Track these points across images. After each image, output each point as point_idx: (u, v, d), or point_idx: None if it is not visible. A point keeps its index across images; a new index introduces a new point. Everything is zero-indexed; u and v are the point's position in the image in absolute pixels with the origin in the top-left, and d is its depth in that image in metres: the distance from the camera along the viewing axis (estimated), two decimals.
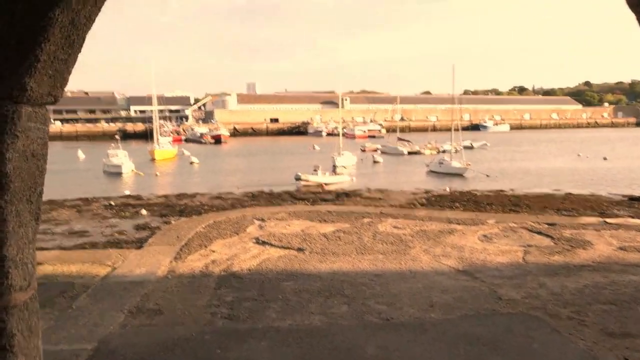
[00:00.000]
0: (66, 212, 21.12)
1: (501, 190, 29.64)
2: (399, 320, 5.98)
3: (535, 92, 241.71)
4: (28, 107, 2.33)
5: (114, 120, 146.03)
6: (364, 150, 68.67)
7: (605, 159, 54.79)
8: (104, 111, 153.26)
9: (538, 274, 7.63)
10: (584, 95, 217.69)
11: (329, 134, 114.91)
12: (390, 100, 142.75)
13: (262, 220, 11.84)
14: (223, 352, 5.23)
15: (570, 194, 27.71)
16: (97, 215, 19.95)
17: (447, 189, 29.92)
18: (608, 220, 11.68)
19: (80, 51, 2.52)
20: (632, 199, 24.43)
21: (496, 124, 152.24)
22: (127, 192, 30.94)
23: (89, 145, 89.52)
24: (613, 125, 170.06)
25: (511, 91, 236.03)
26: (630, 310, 6.13)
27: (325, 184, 33.50)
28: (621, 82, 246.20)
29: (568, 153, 64.42)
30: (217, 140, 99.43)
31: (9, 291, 2.23)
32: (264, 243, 9.68)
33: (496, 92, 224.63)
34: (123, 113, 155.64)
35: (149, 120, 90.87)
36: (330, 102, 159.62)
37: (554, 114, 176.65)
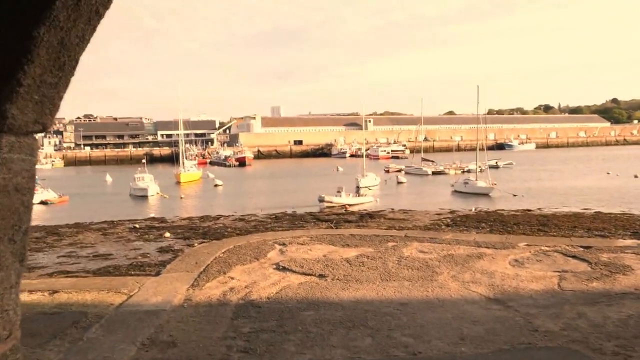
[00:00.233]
0: (92, 235, 21.20)
1: (528, 210, 28.85)
2: (427, 355, 5.56)
3: (562, 110, 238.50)
4: (10, 137, 2.07)
5: (141, 144, 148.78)
6: (387, 171, 68.23)
7: (636, 176, 53.26)
8: (132, 136, 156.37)
9: (576, 302, 7.12)
10: (612, 112, 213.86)
11: (352, 155, 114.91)
12: (414, 121, 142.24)
13: (284, 244, 11.53)
14: None
15: (600, 212, 26.79)
16: (121, 238, 19.96)
17: (473, 209, 29.26)
18: None
19: (72, 74, 2.26)
20: None
21: (522, 143, 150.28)
22: (152, 215, 31.11)
23: (116, 170, 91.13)
24: None
25: (537, 109, 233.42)
26: None
27: (349, 205, 33.13)
28: None
29: (596, 171, 62.87)
30: (242, 162, 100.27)
31: None
32: (284, 269, 9.35)
33: (521, 111, 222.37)
34: (150, 137, 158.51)
35: (175, 144, 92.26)
36: (354, 123, 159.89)
37: (581, 132, 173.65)
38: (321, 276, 8.84)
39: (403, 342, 5.90)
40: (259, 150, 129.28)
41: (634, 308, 6.80)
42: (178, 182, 60.13)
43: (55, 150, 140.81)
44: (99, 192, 54.24)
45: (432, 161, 73.33)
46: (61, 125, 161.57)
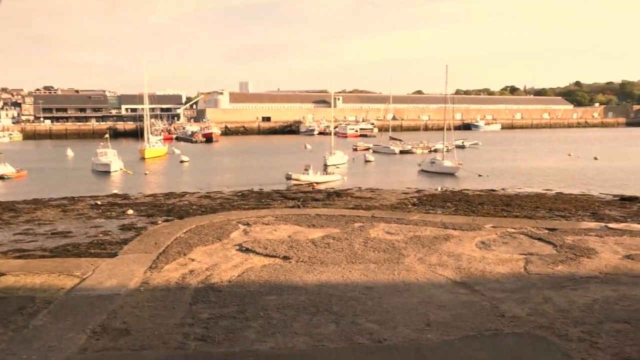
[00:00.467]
0: (50, 212, 20.43)
1: (493, 190, 29.26)
2: (392, 343, 5.37)
3: (527, 92, 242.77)
4: None
5: (104, 118, 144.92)
6: (355, 150, 68.34)
7: (596, 158, 54.78)
8: (95, 109, 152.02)
9: (542, 286, 7.05)
10: (575, 95, 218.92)
11: (320, 133, 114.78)
12: (383, 99, 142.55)
13: (248, 224, 11.21)
14: None
15: (561, 193, 27.38)
16: (82, 215, 19.28)
17: (439, 189, 29.51)
18: (610, 225, 11.14)
19: None
20: (623, 199, 24.14)
21: (488, 124, 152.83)
22: (115, 191, 30.29)
23: (78, 144, 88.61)
24: (603, 125, 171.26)
25: (503, 91, 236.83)
26: None
27: (316, 183, 32.98)
28: (611, 83, 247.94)
29: (559, 153, 64.37)
30: (209, 138, 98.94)
31: None
32: (247, 250, 9.05)
33: (488, 92, 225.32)
34: (114, 111, 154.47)
35: (140, 119, 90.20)
36: (323, 101, 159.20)
37: (545, 113, 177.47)
38: (285, 258, 8.58)
39: (368, 329, 5.70)
40: (226, 127, 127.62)
41: (598, 292, 6.77)
42: (142, 158, 58.89)
43: (13, 123, 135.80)
44: (59, 167, 52.66)
45: (400, 140, 73.75)
46: (20, 97, 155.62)
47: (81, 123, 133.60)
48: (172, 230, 10.77)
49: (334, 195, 25.92)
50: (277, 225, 11.17)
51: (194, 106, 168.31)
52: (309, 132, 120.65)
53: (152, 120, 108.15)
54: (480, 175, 39.11)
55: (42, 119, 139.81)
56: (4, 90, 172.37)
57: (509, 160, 54.04)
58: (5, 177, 41.10)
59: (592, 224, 11.44)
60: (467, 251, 8.88)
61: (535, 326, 5.74)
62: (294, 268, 8.01)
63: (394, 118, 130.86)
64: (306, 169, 35.26)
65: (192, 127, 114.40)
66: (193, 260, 8.50)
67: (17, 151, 76.36)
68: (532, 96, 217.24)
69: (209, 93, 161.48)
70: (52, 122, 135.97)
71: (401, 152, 65.26)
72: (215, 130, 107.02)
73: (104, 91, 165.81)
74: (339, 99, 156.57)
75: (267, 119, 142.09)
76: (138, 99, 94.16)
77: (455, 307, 6.35)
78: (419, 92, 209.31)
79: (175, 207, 21.78)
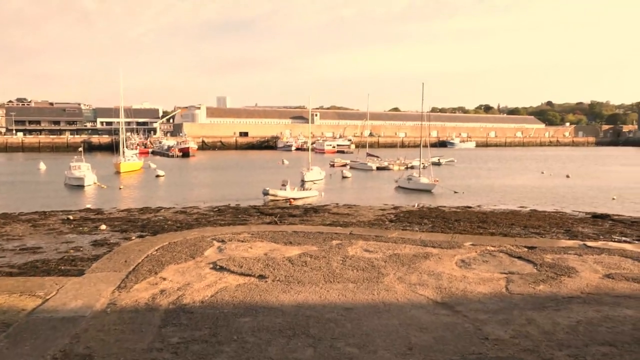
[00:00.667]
0: (20, 227, 19.77)
1: (469, 207, 29.39)
2: None
3: (501, 110, 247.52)
4: None
5: (79, 132, 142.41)
6: (333, 166, 68.30)
7: (568, 176, 55.66)
8: (69, 122, 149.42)
9: (525, 307, 6.89)
10: (547, 114, 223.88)
11: (298, 149, 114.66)
12: (360, 116, 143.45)
13: (223, 241, 10.87)
14: None
15: (535, 210, 27.69)
16: (53, 230, 18.71)
17: (416, 205, 29.52)
18: (588, 243, 11.11)
19: None
20: (595, 216, 24.53)
21: (463, 141, 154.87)
22: (88, 206, 29.54)
23: (51, 157, 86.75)
24: (574, 144, 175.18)
25: (477, 109, 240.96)
26: (632, 353, 5.41)
27: (294, 199, 32.69)
28: (581, 103, 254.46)
29: (532, 170, 65.26)
30: (185, 153, 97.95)
31: None
32: (221, 269, 8.72)
33: (463, 110, 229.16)
34: (89, 125, 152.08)
35: (115, 132, 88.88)
36: (300, 117, 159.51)
37: (518, 132, 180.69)
38: (261, 277, 8.28)
39: (347, 353, 5.44)
40: (203, 141, 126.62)
41: (581, 313, 6.63)
42: (118, 172, 57.84)
43: None
44: (30, 180, 51.31)
45: (377, 156, 74.05)
46: None
47: (55, 136, 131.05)
48: (144, 247, 10.37)
49: (311, 211, 25.70)
50: (253, 242, 10.86)
51: (171, 120, 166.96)
52: (287, 148, 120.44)
53: (128, 134, 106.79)
54: (456, 192, 39.33)
55: (14, 132, 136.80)
56: None
57: (483, 178, 54.57)
58: None
59: (571, 242, 11.41)
60: (448, 270, 8.70)
61: (519, 349, 5.55)
62: (270, 288, 7.71)
63: (371, 134, 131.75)
64: (283, 185, 34.94)
65: (169, 142, 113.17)
66: (164, 279, 8.14)
67: None
68: (505, 115, 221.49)
69: (186, 107, 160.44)
70: (24, 134, 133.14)
71: (378, 168, 65.42)
72: (192, 145, 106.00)
73: (79, 104, 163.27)
74: (316, 115, 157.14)
75: (245, 134, 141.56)
76: (114, 112, 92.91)
77: (437, 329, 6.13)
78: (396, 109, 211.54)
79: (150, 223, 21.29)
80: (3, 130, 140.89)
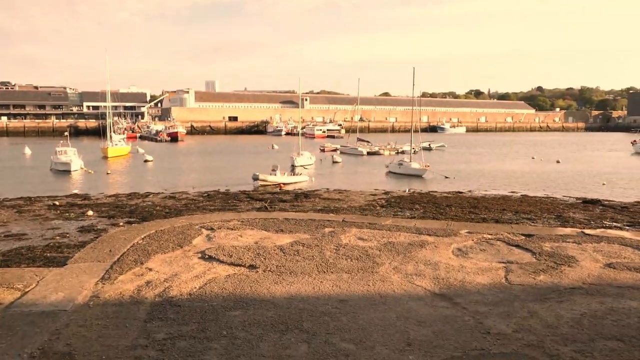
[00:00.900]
0: (4, 213, 19.29)
1: (460, 192, 29.21)
2: None
3: (491, 96, 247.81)
4: None
5: (65, 116, 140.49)
6: (323, 150, 67.89)
7: (558, 162, 55.76)
8: (55, 107, 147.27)
9: (526, 298, 6.64)
10: (537, 100, 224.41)
11: (288, 134, 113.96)
12: (350, 101, 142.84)
13: (212, 229, 10.53)
14: None
15: (526, 196, 27.56)
16: (39, 217, 18.26)
17: (407, 190, 29.31)
18: (586, 231, 10.90)
19: None
20: (586, 201, 24.44)
21: (453, 126, 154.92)
22: (75, 191, 29.00)
23: (37, 142, 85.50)
24: (564, 129, 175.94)
25: (468, 94, 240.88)
26: None
27: (284, 184, 32.35)
28: (571, 88, 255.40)
29: (522, 156, 65.34)
30: (174, 138, 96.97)
31: None
32: (210, 258, 8.39)
33: (454, 95, 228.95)
34: (75, 109, 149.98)
35: (102, 116, 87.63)
36: (290, 101, 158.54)
37: (508, 117, 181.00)
38: (252, 267, 7.97)
39: (343, 350, 5.16)
40: (192, 126, 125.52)
41: (585, 305, 6.39)
42: (105, 157, 57.10)
43: None
44: (15, 165, 50.49)
45: (368, 141, 73.70)
46: None
47: (40, 120, 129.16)
48: (130, 235, 10.01)
49: (301, 197, 25.38)
50: (243, 230, 10.53)
51: (159, 105, 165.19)
52: (277, 133, 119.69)
53: (116, 118, 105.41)
54: (447, 177, 39.21)
55: None
56: None
57: (473, 163, 54.52)
58: None
59: (569, 230, 11.20)
60: (444, 259, 8.44)
61: (523, 344, 5.30)
62: (261, 278, 7.41)
63: (361, 119, 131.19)
64: (273, 170, 34.55)
65: (157, 126, 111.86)
66: (150, 270, 7.80)
67: None
68: (496, 100, 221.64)
69: (175, 92, 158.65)
70: (9, 118, 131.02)
71: (368, 153, 65.17)
72: (181, 130, 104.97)
73: (65, 88, 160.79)
74: (306, 99, 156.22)
75: (234, 119, 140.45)
76: (100, 96, 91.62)
77: (436, 322, 5.87)
78: (386, 94, 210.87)
79: (138, 208, 20.86)
80: None
